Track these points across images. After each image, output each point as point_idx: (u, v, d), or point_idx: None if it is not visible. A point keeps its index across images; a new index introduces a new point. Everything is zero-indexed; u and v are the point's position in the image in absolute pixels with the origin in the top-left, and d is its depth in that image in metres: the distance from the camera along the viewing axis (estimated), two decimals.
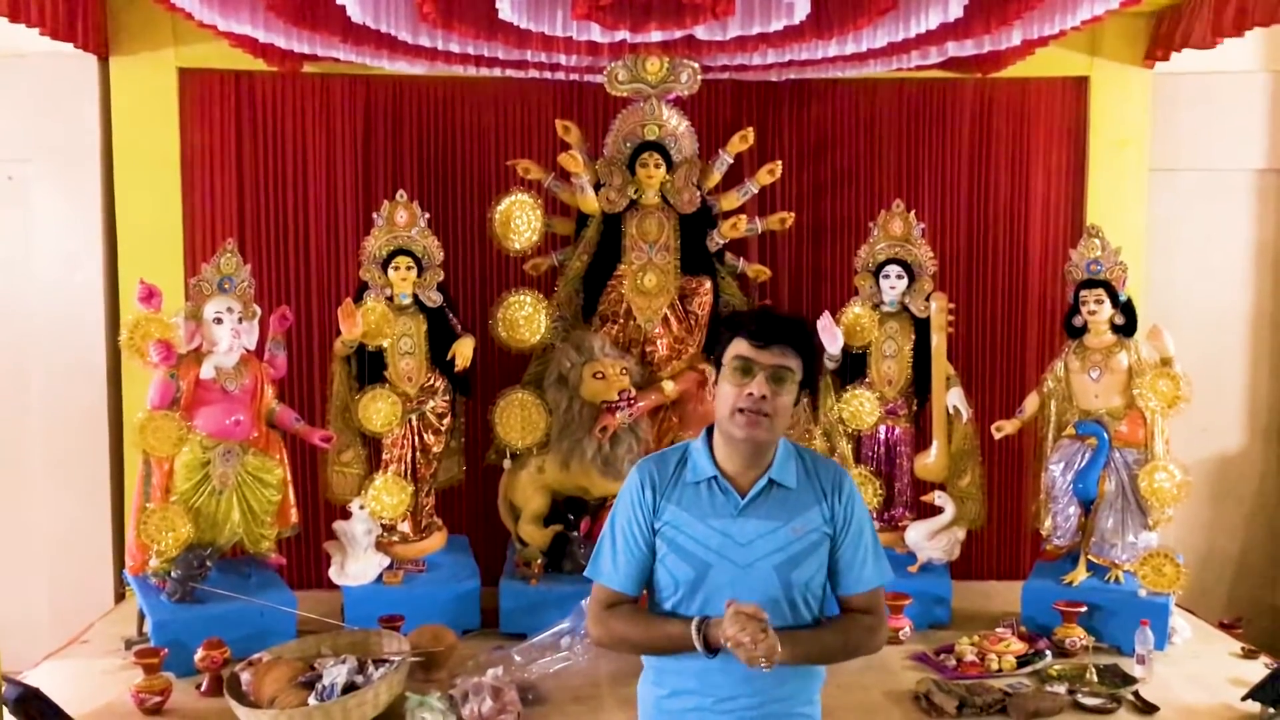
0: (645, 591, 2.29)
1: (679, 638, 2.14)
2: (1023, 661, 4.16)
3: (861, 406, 4.83)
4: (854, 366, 4.91)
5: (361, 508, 4.56)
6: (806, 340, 2.21)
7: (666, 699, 2.26)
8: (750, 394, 2.12)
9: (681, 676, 2.22)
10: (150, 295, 4.20)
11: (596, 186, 4.86)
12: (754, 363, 2.13)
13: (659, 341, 4.88)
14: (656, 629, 2.20)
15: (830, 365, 4.92)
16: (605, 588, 2.26)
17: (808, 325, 2.26)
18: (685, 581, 2.19)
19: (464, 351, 4.67)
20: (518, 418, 4.70)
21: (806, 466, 2.27)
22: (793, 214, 5.08)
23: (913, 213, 4.96)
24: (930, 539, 4.74)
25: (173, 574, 4.21)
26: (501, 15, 4.03)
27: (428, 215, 4.76)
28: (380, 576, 4.58)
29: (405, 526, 4.79)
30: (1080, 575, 4.53)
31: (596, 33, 4.35)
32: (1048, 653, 4.24)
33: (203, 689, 3.93)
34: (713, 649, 2.10)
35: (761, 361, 2.13)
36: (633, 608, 2.26)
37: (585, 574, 2.33)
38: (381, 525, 4.66)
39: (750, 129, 4.95)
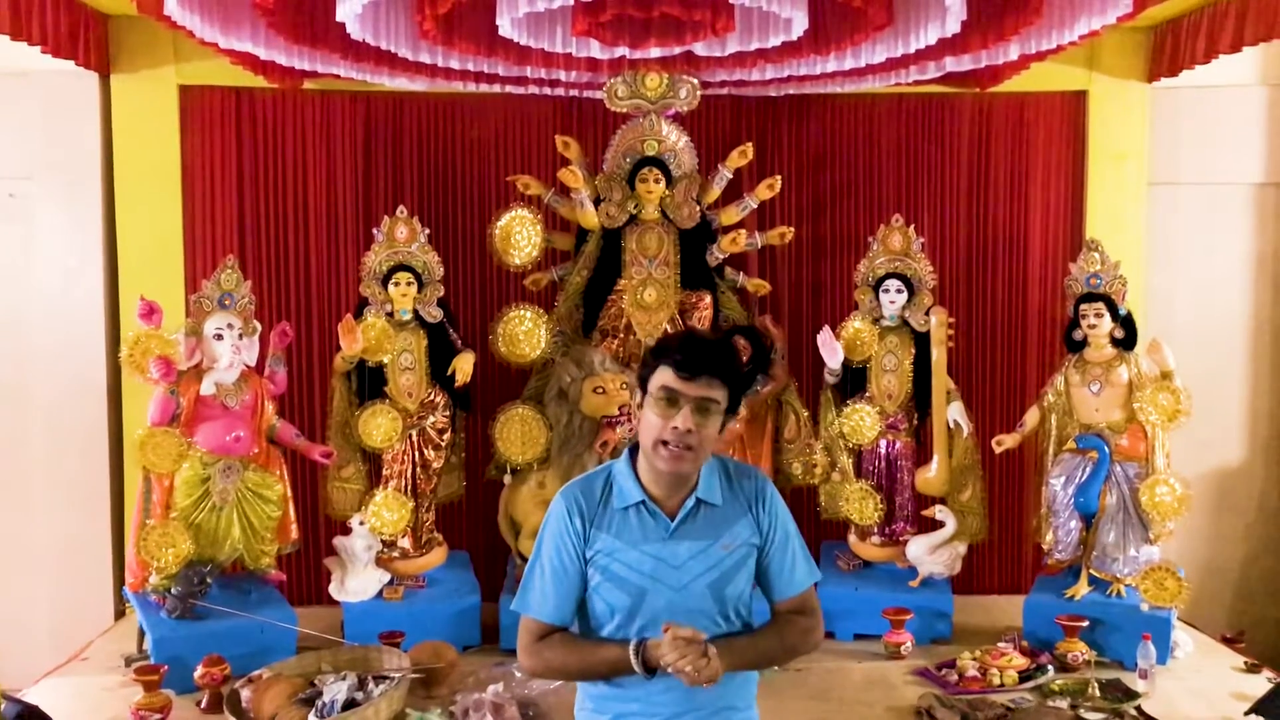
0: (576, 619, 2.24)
1: (617, 661, 2.12)
2: (1025, 676, 4.16)
3: (862, 421, 4.83)
4: (854, 381, 4.92)
5: (362, 523, 4.56)
6: (732, 367, 2.14)
7: None
8: (675, 427, 2.08)
9: (624, 701, 2.18)
10: (151, 312, 4.21)
11: (596, 202, 4.87)
12: (680, 394, 2.09)
13: None
14: (593, 655, 2.17)
15: (830, 380, 4.93)
16: (536, 620, 2.21)
17: (735, 349, 2.18)
18: (622, 609, 2.16)
19: (464, 367, 4.67)
20: (518, 433, 4.70)
21: (730, 478, 2.25)
22: (792, 229, 5.09)
23: (912, 227, 4.97)
24: (931, 553, 4.73)
25: (173, 590, 4.21)
26: (502, 32, 4.05)
27: (428, 231, 4.77)
28: (380, 592, 4.58)
29: (405, 542, 4.78)
30: (1082, 589, 4.53)
31: (596, 49, 4.37)
32: (1050, 667, 4.23)
33: (203, 706, 3.93)
34: (651, 670, 2.09)
35: (687, 394, 2.08)
36: (566, 636, 2.21)
37: (513, 608, 2.25)
38: (382, 541, 4.65)
39: (749, 144, 4.97)
